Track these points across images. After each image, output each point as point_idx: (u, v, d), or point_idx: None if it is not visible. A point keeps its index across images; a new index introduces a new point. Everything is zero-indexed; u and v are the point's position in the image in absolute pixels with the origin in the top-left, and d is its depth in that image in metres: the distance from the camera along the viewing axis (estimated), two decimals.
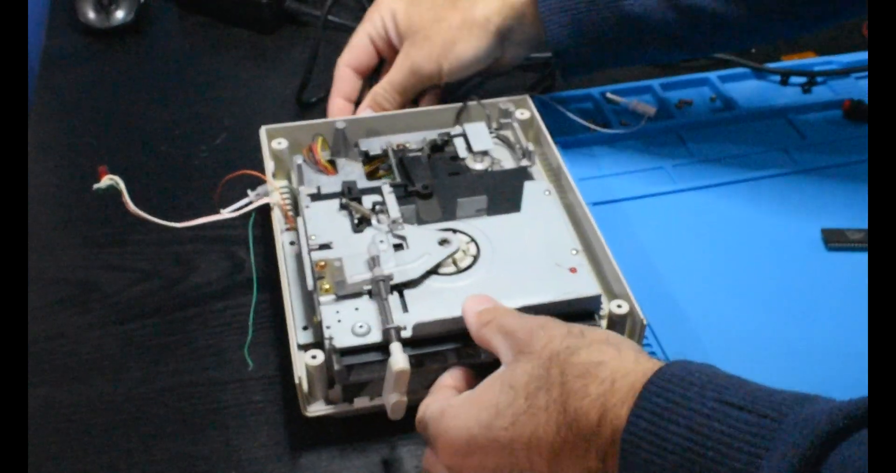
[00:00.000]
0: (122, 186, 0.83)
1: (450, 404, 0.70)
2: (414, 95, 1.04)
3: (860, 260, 0.95)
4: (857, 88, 1.18)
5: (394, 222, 0.85)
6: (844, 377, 0.83)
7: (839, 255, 0.96)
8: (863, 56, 1.22)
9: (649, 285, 0.92)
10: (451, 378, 0.75)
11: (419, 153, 0.95)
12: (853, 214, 0.99)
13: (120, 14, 1.29)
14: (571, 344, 0.65)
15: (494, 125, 1.01)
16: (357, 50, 1.05)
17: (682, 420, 0.58)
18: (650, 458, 0.58)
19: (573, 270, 0.82)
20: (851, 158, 1.07)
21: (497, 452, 0.65)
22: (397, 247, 0.83)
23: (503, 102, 1.01)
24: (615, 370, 0.63)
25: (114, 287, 0.95)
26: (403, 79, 1.01)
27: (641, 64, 1.20)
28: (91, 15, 1.28)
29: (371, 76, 1.08)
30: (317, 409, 0.79)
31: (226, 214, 0.90)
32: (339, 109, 1.05)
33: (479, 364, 0.77)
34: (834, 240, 0.96)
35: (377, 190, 0.89)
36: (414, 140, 0.97)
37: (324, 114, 1.08)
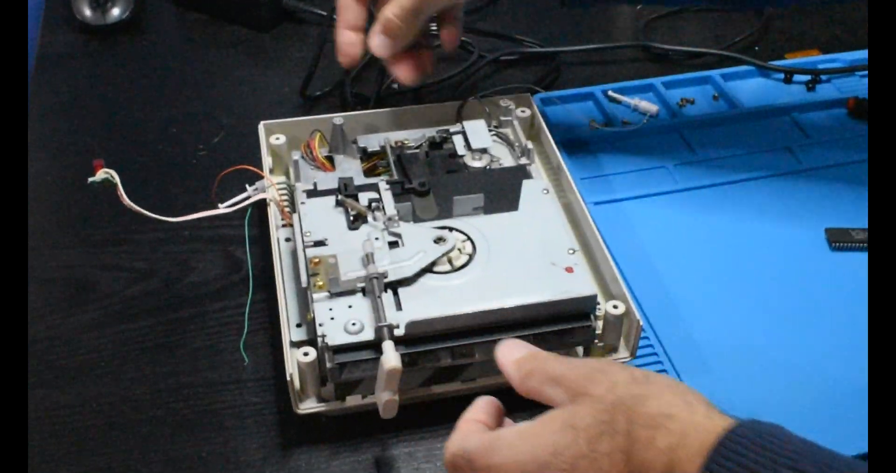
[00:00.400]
0: (117, 179, 0.82)
1: (499, 436, 0.66)
2: (428, 18, 0.94)
3: (865, 260, 0.94)
4: (862, 86, 1.17)
5: (389, 219, 0.84)
6: (848, 378, 0.83)
7: (843, 255, 0.95)
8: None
9: (651, 285, 0.92)
10: (480, 413, 0.70)
11: (417, 150, 0.95)
12: (857, 213, 0.98)
13: (116, 11, 1.28)
14: (638, 393, 0.63)
15: (494, 123, 1.00)
16: (350, 8, 0.94)
17: None
18: None
19: (569, 269, 0.81)
20: (856, 157, 1.06)
21: None
22: (392, 244, 0.83)
23: (504, 99, 1.01)
24: (686, 424, 0.60)
25: (110, 287, 0.94)
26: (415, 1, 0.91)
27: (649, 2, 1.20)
28: (87, 12, 1.28)
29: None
30: (309, 406, 0.78)
31: (223, 208, 0.89)
32: (348, 40, 0.94)
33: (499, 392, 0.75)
34: (838, 240, 0.96)
35: (374, 187, 0.89)
36: (413, 137, 0.97)
37: (325, 111, 1.07)
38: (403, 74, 0.95)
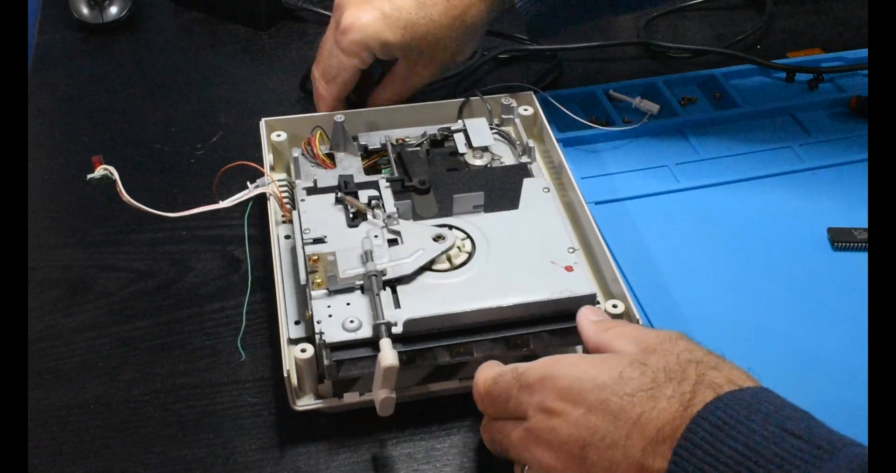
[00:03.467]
0: (115, 175, 0.82)
1: (558, 356, 0.68)
2: None
3: (867, 260, 0.93)
4: (865, 84, 1.17)
5: (389, 216, 0.84)
6: (850, 379, 0.82)
7: (846, 255, 0.95)
8: None
9: (653, 284, 0.91)
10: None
11: (418, 148, 0.94)
12: (860, 213, 0.98)
13: (114, 10, 1.28)
14: (713, 360, 0.64)
15: (496, 121, 1.00)
16: (350, 84, 1.01)
17: (741, 437, 0.58)
18: (702, 466, 0.58)
19: (569, 268, 0.80)
20: (858, 156, 1.06)
21: (601, 415, 0.63)
22: (392, 242, 0.82)
23: (505, 97, 1.01)
24: None
25: (108, 288, 0.94)
26: (410, 91, 1.02)
27: (608, 15, 1.25)
28: (85, 10, 1.28)
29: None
30: (306, 403, 0.78)
31: (223, 203, 0.89)
32: None
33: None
34: (840, 239, 0.95)
35: (374, 185, 0.88)
36: (414, 135, 0.97)
37: None
38: None
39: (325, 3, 1.29)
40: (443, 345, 0.76)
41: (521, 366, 0.68)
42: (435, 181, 0.89)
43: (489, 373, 0.71)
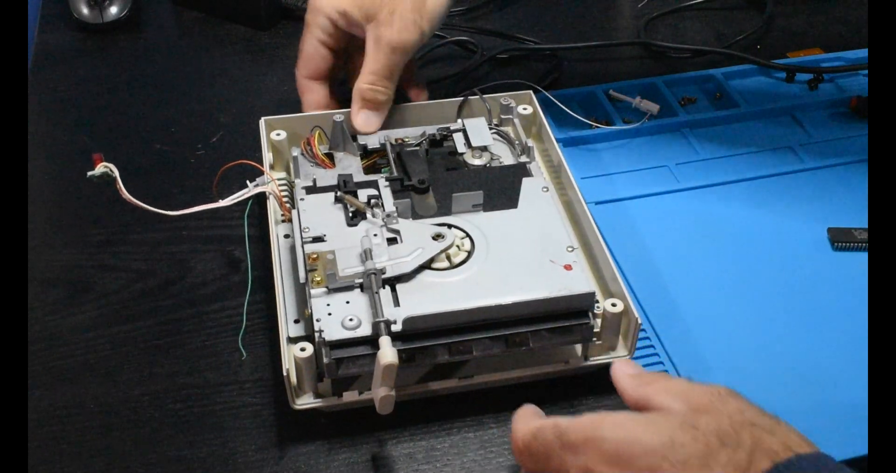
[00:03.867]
0: (116, 173, 0.82)
1: (604, 415, 0.63)
2: (400, 74, 0.98)
3: (867, 260, 0.93)
4: (865, 84, 1.17)
5: (388, 215, 0.84)
6: (849, 378, 0.82)
7: (846, 255, 0.95)
8: None
9: (653, 284, 0.91)
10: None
11: (417, 148, 0.94)
12: (860, 213, 0.98)
13: (114, 10, 1.29)
14: (768, 423, 0.61)
15: (495, 121, 1.00)
16: (313, 59, 1.00)
17: None
18: None
19: (568, 267, 0.80)
20: (858, 156, 1.06)
21: None
22: (391, 241, 0.82)
23: (504, 97, 1.00)
24: None
25: (108, 288, 0.94)
26: (387, 62, 0.95)
27: None
28: (85, 10, 1.28)
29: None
30: (305, 402, 0.78)
31: (223, 202, 0.89)
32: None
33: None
34: (840, 240, 0.95)
35: (373, 184, 0.88)
36: (413, 134, 0.97)
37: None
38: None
39: None
40: (442, 343, 0.75)
41: (563, 422, 0.64)
42: (434, 181, 0.89)
43: (529, 427, 0.66)
